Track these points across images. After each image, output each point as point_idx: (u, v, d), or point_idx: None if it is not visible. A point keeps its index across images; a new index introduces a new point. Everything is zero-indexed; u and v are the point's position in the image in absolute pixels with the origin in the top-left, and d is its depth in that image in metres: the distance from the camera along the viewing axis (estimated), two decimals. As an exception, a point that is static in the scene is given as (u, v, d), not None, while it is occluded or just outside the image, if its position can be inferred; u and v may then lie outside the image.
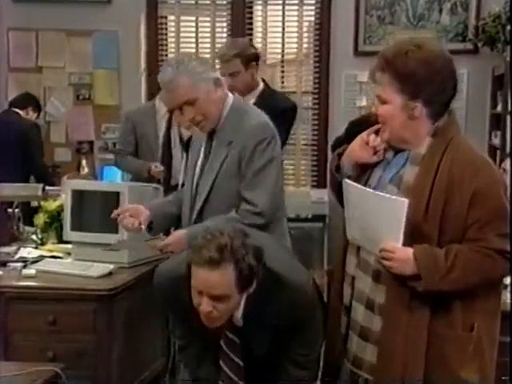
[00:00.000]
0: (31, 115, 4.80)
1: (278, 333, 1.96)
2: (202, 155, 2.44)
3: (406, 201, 1.75)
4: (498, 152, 4.26)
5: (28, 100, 4.83)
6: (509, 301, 2.37)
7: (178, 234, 2.36)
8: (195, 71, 2.31)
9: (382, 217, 1.80)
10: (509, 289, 2.37)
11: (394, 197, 1.80)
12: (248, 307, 1.93)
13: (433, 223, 1.78)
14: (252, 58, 3.25)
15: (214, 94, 2.34)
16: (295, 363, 2.03)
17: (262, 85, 3.35)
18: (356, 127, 1.97)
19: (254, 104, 3.04)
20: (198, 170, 2.44)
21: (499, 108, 4.33)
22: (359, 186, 1.88)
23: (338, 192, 2.01)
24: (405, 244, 1.78)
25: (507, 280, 2.42)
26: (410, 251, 1.77)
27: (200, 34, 5.15)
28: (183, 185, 2.60)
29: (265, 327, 1.95)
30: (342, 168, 1.98)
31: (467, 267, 1.76)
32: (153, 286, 2.08)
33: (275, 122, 2.56)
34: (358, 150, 1.92)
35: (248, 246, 1.84)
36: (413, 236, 1.78)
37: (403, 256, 1.76)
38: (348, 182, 1.90)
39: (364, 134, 1.93)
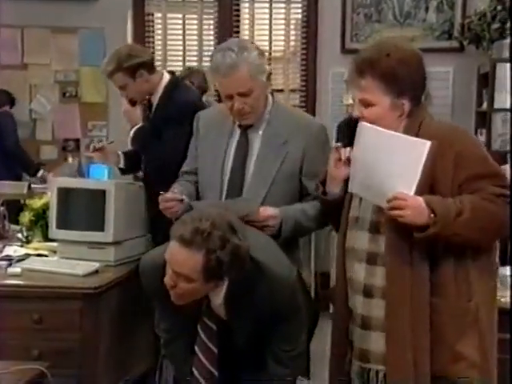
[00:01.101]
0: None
1: (258, 323, 1.96)
2: (232, 150, 2.33)
3: (428, 142, 1.76)
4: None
5: (4, 98, 4.86)
6: (508, 299, 2.34)
7: (273, 210, 2.23)
8: (256, 63, 2.25)
9: (397, 161, 1.79)
10: (509, 284, 2.36)
11: (417, 139, 1.81)
12: (229, 295, 1.93)
13: (422, 194, 1.79)
14: (136, 67, 2.86)
15: (265, 90, 2.33)
16: (276, 359, 2.03)
17: (163, 84, 2.94)
18: (346, 127, 1.98)
19: (158, 104, 2.90)
20: (229, 165, 2.32)
21: (484, 106, 4.36)
22: (378, 128, 1.86)
23: (330, 214, 2.07)
24: None
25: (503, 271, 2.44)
26: (421, 199, 1.78)
27: (187, 32, 5.15)
28: (189, 172, 2.48)
29: (245, 316, 1.95)
30: (329, 194, 2.02)
31: (476, 209, 1.77)
32: (139, 277, 2.08)
33: (170, 122, 2.65)
34: (335, 170, 1.96)
35: (227, 241, 1.81)
36: None
37: (416, 203, 1.77)
38: (365, 125, 1.88)
39: (332, 155, 1.97)
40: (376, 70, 1.84)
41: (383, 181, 1.81)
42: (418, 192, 1.79)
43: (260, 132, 2.34)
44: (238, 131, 2.36)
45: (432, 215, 1.76)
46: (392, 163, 1.80)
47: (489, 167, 1.84)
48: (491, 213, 1.79)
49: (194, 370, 2.06)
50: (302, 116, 2.49)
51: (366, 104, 1.88)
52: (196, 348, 2.05)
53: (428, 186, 1.80)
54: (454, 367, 1.81)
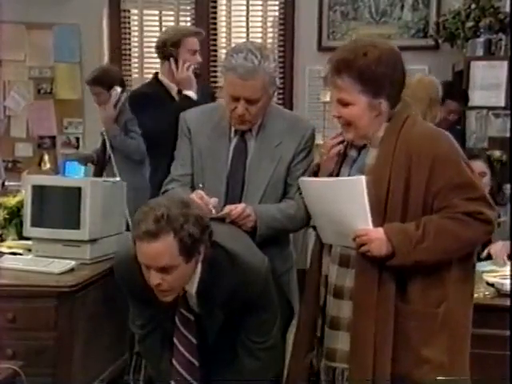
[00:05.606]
0: None
1: (230, 313, 1.97)
2: (230, 154, 2.30)
3: (362, 177, 1.79)
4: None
5: None
6: (482, 295, 2.34)
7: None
8: (272, 75, 2.23)
9: (344, 202, 1.81)
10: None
11: (350, 177, 1.83)
12: (202, 284, 1.94)
13: (396, 198, 1.81)
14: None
15: (270, 102, 2.31)
16: (247, 351, 2.04)
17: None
18: None
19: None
20: (228, 170, 2.30)
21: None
22: (314, 178, 1.91)
23: None
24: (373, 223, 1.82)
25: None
26: (381, 231, 1.80)
27: (164, 29, 5.11)
28: (184, 175, 2.38)
29: (217, 305, 1.96)
30: None
31: (439, 234, 1.78)
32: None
33: None
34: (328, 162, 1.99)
35: (188, 215, 1.83)
36: (377, 214, 1.81)
37: (377, 236, 1.79)
38: (304, 180, 1.93)
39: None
40: (353, 70, 1.83)
41: (342, 223, 1.84)
42: (375, 220, 1.80)
43: (254, 135, 2.32)
44: (234, 134, 2.33)
45: (390, 248, 1.79)
46: (340, 206, 1.83)
47: (464, 177, 1.82)
48: (457, 235, 1.79)
49: (174, 361, 2.06)
50: (295, 118, 2.47)
51: (344, 103, 1.88)
52: (175, 340, 2.05)
53: (403, 187, 1.81)
54: (417, 371, 1.82)
